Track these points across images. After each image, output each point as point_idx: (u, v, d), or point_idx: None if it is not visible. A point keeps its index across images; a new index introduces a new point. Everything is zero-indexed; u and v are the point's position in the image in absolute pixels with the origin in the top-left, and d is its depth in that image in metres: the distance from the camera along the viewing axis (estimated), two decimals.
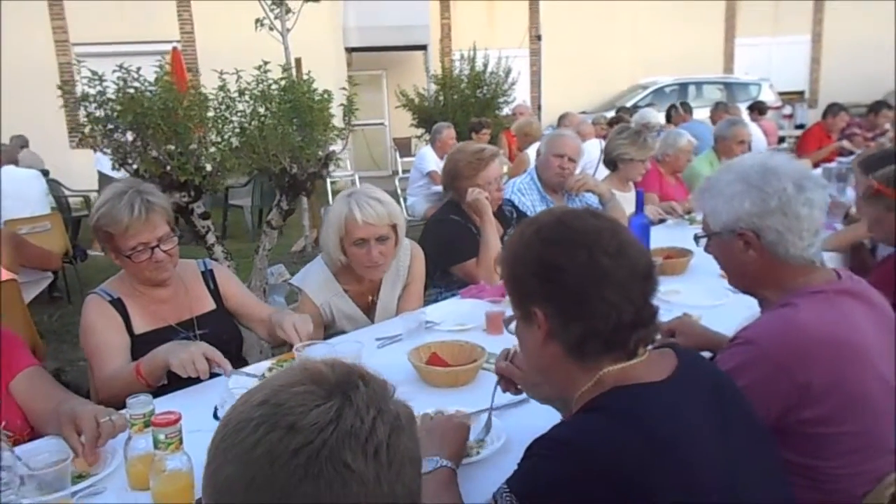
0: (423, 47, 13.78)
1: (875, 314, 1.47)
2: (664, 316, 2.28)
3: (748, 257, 1.49)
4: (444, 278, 2.87)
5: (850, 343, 1.37)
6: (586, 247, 1.07)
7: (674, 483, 0.96)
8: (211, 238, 3.63)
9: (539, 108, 13.68)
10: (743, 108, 9.11)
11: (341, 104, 3.62)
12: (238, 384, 1.77)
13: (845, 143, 6.83)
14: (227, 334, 2.13)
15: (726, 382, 1.18)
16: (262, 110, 3.62)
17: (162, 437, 1.22)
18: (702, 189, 1.60)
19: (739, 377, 1.34)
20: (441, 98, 11.78)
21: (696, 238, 1.68)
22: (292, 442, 0.67)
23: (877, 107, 7.33)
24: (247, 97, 3.77)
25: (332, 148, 3.76)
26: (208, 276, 2.21)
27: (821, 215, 1.47)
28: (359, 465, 0.67)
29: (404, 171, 9.62)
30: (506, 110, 11.54)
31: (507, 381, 1.47)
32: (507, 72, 12.03)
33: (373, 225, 2.20)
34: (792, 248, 1.45)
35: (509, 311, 1.25)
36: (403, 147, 12.76)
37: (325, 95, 3.46)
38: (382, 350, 2.08)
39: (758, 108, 8.72)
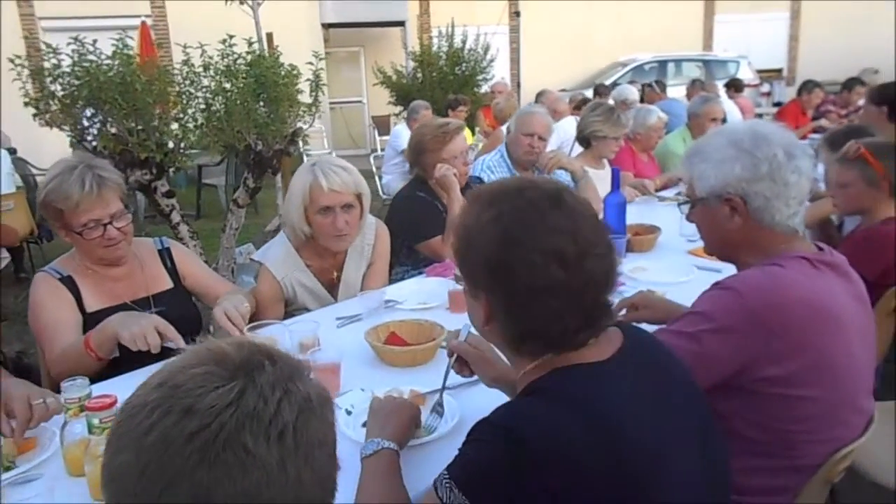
0: (402, 23, 13.60)
1: (852, 289, 1.47)
2: (629, 292, 2.31)
3: (733, 224, 1.47)
4: (410, 256, 2.83)
5: (828, 310, 1.37)
6: (541, 253, 1.00)
7: (613, 468, 0.94)
8: (176, 217, 3.55)
9: (518, 85, 13.58)
10: (721, 85, 9.10)
11: (307, 79, 3.55)
12: None
13: (823, 122, 6.85)
14: (184, 313, 2.08)
15: (668, 358, 1.16)
16: (227, 86, 3.54)
17: (96, 421, 1.18)
18: (690, 153, 1.57)
19: (711, 320, 1.34)
20: (419, 75, 11.66)
21: (680, 205, 1.66)
22: (188, 426, 0.63)
23: (850, 84, 7.36)
24: (211, 72, 3.69)
25: (300, 125, 3.69)
26: (165, 254, 2.15)
27: (807, 184, 1.46)
28: (260, 449, 0.63)
29: (383, 150, 9.52)
30: (485, 88, 11.44)
31: (460, 362, 1.43)
32: (486, 49, 11.92)
33: (338, 192, 2.15)
34: (778, 214, 1.44)
35: None
36: (382, 125, 12.63)
37: (293, 70, 3.37)
38: (343, 329, 2.04)
39: (734, 86, 8.71)
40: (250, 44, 3.70)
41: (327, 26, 13.47)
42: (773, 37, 15.22)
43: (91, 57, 3.06)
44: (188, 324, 2.03)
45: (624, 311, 1.91)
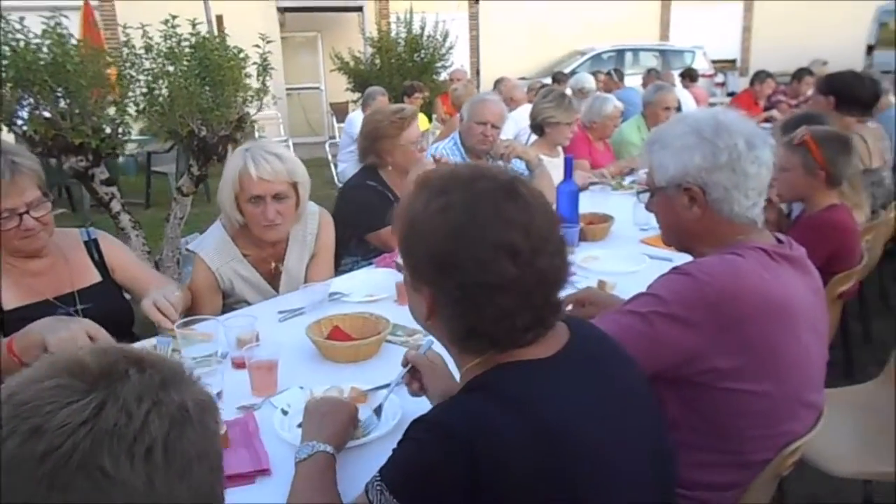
0: (359, 9, 13.40)
1: (810, 283, 1.45)
2: (581, 283, 2.28)
3: (691, 214, 1.45)
4: (360, 247, 2.75)
5: (783, 303, 1.35)
6: (493, 248, 0.94)
7: (550, 468, 0.89)
8: (116, 206, 3.39)
9: (477, 73, 13.53)
10: (676, 75, 9.19)
11: (254, 63, 3.41)
12: None
13: (774, 113, 6.96)
14: (114, 309, 1.96)
15: (616, 354, 1.12)
16: (171, 69, 3.38)
17: None
18: (650, 140, 1.53)
19: (665, 303, 1.31)
20: (377, 62, 11.50)
21: (639, 193, 1.62)
22: (37, 447, 0.55)
23: (799, 74, 7.49)
24: (153, 54, 3.53)
25: (248, 110, 3.56)
26: (92, 245, 2.02)
27: (767, 175, 1.44)
28: (122, 470, 0.56)
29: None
30: (444, 75, 11.36)
31: (412, 375, 1.36)
32: (445, 36, 11.82)
33: (268, 181, 2.04)
34: (737, 205, 1.42)
35: None
36: (341, 112, 12.42)
37: (239, 53, 3.23)
38: (284, 324, 1.96)
39: (689, 76, 8.80)
40: (194, 25, 3.55)
41: (283, 10, 13.19)
42: (727, 28, 15.46)
43: (19, 35, 2.87)
44: (118, 321, 1.92)
45: (570, 307, 1.87)
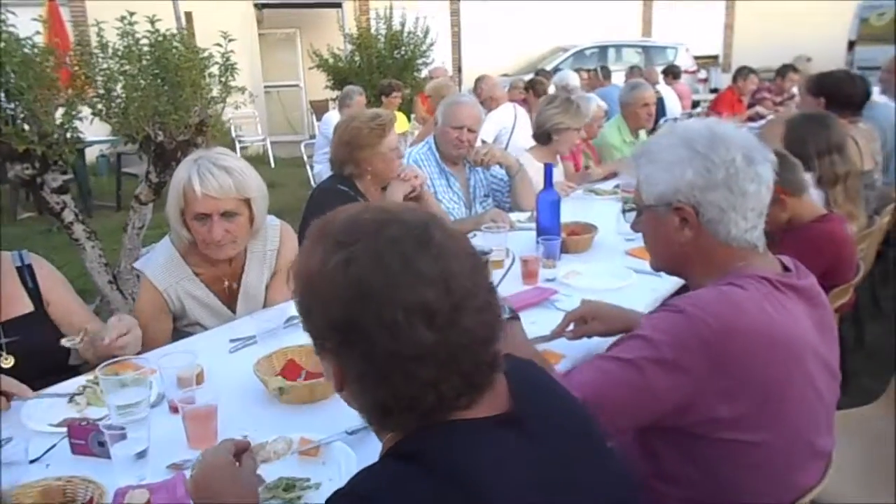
0: (338, 5, 13.17)
1: (819, 316, 1.30)
2: (563, 301, 2.11)
3: (682, 236, 1.29)
4: None
5: (790, 342, 1.20)
6: (406, 309, 0.77)
7: None
8: (68, 215, 3.18)
9: (459, 70, 13.35)
10: (659, 71, 9.08)
11: (217, 63, 3.21)
12: (37, 411, 1.43)
13: (759, 109, 6.86)
14: (45, 344, 1.76)
15: (570, 408, 0.96)
16: (128, 68, 3.17)
17: None
18: (638, 153, 1.38)
19: (656, 347, 1.15)
20: (357, 58, 11.30)
21: (625, 212, 1.47)
22: None
23: (783, 70, 7.40)
24: (109, 53, 3.32)
25: (210, 113, 3.35)
26: (25, 271, 1.83)
27: (767, 194, 1.28)
28: None
29: None
30: (424, 72, 11.19)
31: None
32: (426, 32, 11.65)
33: (214, 198, 1.85)
34: (734, 228, 1.27)
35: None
36: (320, 110, 12.18)
37: (199, 53, 3.03)
38: (235, 356, 1.77)
39: (672, 72, 8.69)
40: (153, 22, 3.33)
41: (261, 6, 12.94)
42: (709, 24, 15.42)
43: None
44: (50, 357, 1.72)
45: (571, 326, 1.70)
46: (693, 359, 1.14)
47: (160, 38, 3.19)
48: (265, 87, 12.69)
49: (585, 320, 1.68)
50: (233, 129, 10.95)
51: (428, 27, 11.64)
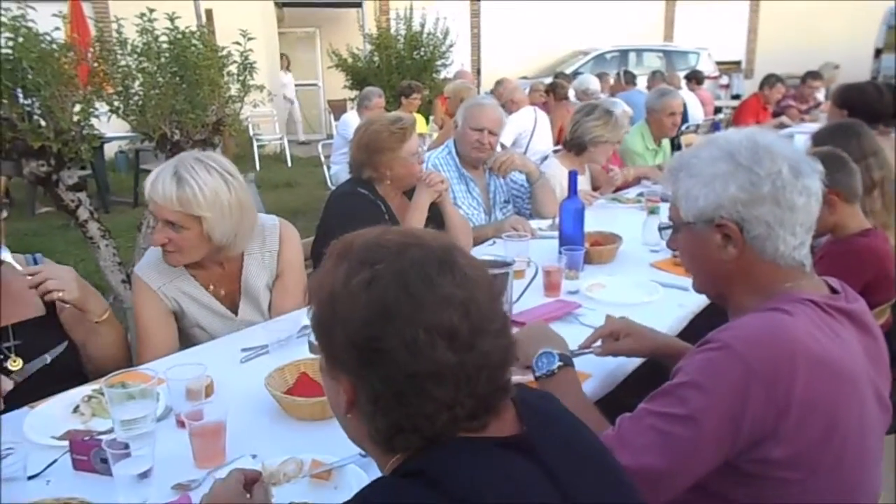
0: (359, 4, 13.16)
1: (871, 343, 1.21)
2: (588, 315, 2.03)
3: (726, 255, 1.21)
4: None
5: (845, 372, 1.11)
6: (429, 330, 0.78)
7: None
8: (83, 213, 3.14)
9: (478, 72, 13.28)
10: (682, 76, 8.95)
11: (235, 61, 3.16)
12: (40, 422, 1.38)
13: (784, 119, 6.72)
14: (53, 349, 1.70)
15: (586, 436, 0.92)
16: (146, 65, 3.13)
17: None
18: (674, 167, 1.29)
19: (706, 392, 1.06)
20: (376, 59, 11.27)
21: (661, 230, 1.39)
22: None
23: (806, 77, 7.28)
24: (128, 50, 3.29)
25: (231, 110, 3.31)
26: None
27: (816, 207, 1.20)
28: None
29: None
30: (444, 73, 11.14)
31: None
32: (446, 33, 11.59)
33: (158, 204, 1.77)
34: (782, 245, 1.18)
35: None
36: (338, 110, 12.19)
37: (218, 51, 2.98)
38: (247, 366, 1.71)
39: (695, 78, 8.55)
40: (172, 20, 3.29)
41: (281, 5, 12.94)
42: (732, 29, 15.22)
43: None
44: (59, 363, 1.67)
45: (599, 343, 1.62)
46: (748, 400, 1.06)
47: (179, 36, 3.15)
48: (284, 85, 12.68)
49: (617, 337, 1.59)
50: (251, 127, 10.94)
51: (448, 28, 11.58)
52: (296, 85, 13.33)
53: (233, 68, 3.09)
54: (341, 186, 2.59)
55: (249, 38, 3.12)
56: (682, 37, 14.75)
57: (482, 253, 2.61)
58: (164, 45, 3.30)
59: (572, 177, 2.40)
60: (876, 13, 12.11)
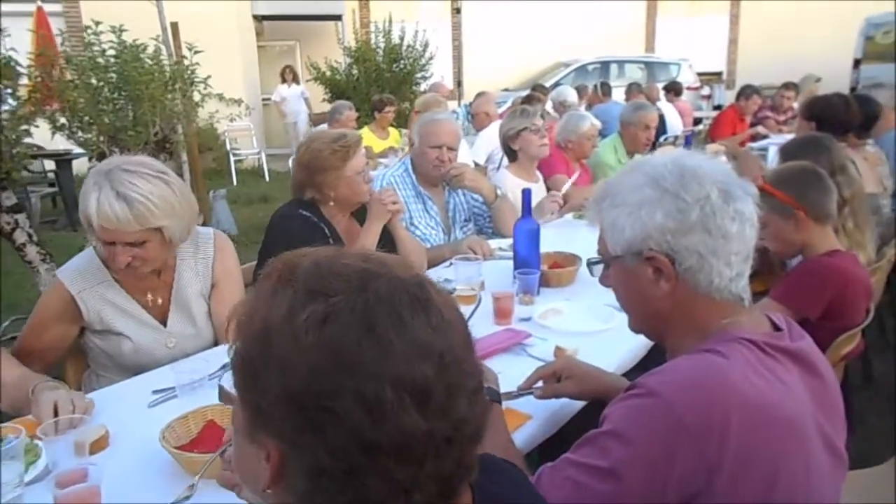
0: (338, 17, 13.07)
1: (818, 385, 1.09)
2: (538, 346, 1.90)
3: (659, 290, 1.10)
4: None
5: (789, 419, 0.99)
6: (397, 386, 0.60)
7: None
8: (21, 237, 2.98)
9: (459, 84, 13.20)
10: (661, 88, 8.90)
11: (190, 77, 3.02)
12: None
13: (760, 129, 6.66)
14: None
15: None
16: (94, 81, 2.99)
17: None
18: (598, 196, 1.18)
19: (629, 443, 0.94)
20: (355, 72, 11.18)
21: (590, 265, 1.26)
22: None
23: (780, 88, 7.28)
24: (73, 64, 3.14)
25: (175, 128, 3.16)
26: None
27: (752, 234, 1.09)
28: None
29: None
30: (423, 86, 11.07)
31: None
32: (425, 46, 11.53)
33: (112, 229, 1.68)
34: (717, 277, 1.07)
35: None
36: (320, 123, 12.07)
37: (156, 65, 2.84)
38: (155, 410, 1.55)
39: (674, 89, 8.50)
40: (118, 32, 3.16)
41: (260, 18, 12.85)
42: (713, 40, 15.28)
43: None
44: None
45: (540, 383, 1.48)
46: (676, 453, 0.94)
47: (122, 50, 3.01)
48: (263, 99, 12.55)
49: (558, 378, 1.46)
50: (227, 142, 10.80)
51: (427, 41, 11.52)
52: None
53: (177, 84, 2.94)
54: (282, 209, 2.45)
55: (196, 52, 2.97)
56: (664, 48, 14.79)
57: (434, 276, 2.48)
58: (112, 60, 3.17)
59: (525, 195, 2.27)
60: (856, 23, 12.16)
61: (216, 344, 2.09)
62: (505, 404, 1.48)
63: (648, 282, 1.10)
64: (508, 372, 1.67)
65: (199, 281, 1.98)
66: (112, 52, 3.20)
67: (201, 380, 1.55)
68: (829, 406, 1.09)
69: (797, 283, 2.11)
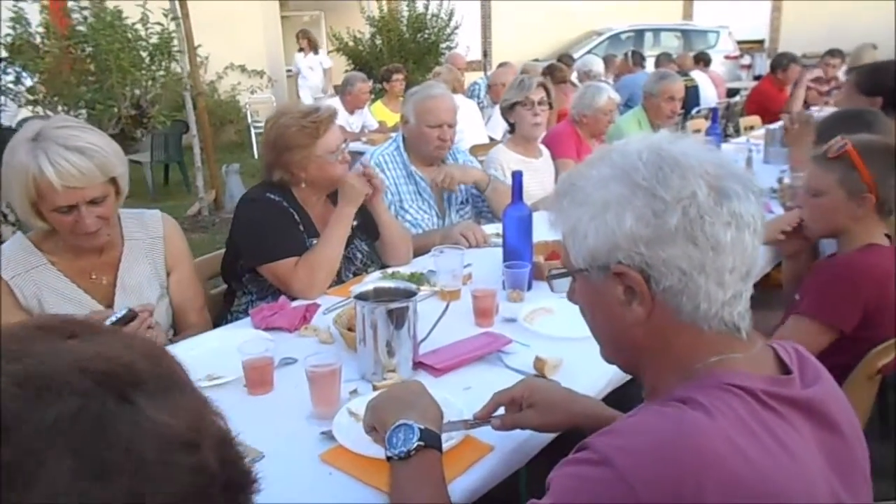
0: None
1: (835, 443, 0.83)
2: (517, 354, 1.65)
3: (631, 315, 0.85)
4: (255, 281, 2.15)
5: (791, 498, 0.74)
6: None
7: None
8: None
9: (485, 54, 12.81)
10: (692, 57, 8.43)
11: (153, 43, 2.80)
12: None
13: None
14: None
15: None
16: (54, 51, 2.80)
17: None
18: (559, 191, 0.92)
19: None
20: (378, 42, 10.91)
21: (551, 279, 1.01)
22: None
23: (825, 55, 6.77)
24: (52, 32, 2.96)
25: (153, 101, 2.96)
26: None
27: (755, 243, 0.83)
28: None
29: None
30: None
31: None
32: (451, 14, 11.18)
33: (78, 189, 1.60)
34: (705, 301, 0.82)
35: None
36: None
37: (127, 33, 2.62)
38: None
39: (703, 59, 8.02)
40: None
41: None
42: (755, 6, 14.52)
43: None
44: None
45: (502, 410, 1.24)
46: None
47: (91, 19, 2.80)
48: (287, 70, 12.35)
49: (519, 405, 1.22)
50: (249, 114, 10.65)
51: (453, 9, 11.17)
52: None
53: (144, 53, 2.73)
54: (250, 192, 2.23)
55: (174, 18, 2.75)
56: (702, 15, 14.10)
57: (423, 265, 2.25)
58: (82, 28, 2.97)
59: (516, 178, 2.00)
60: None
61: (175, 333, 1.95)
62: (464, 432, 1.26)
63: (617, 303, 0.86)
64: (479, 387, 1.46)
65: (150, 263, 1.91)
66: (93, 19, 2.98)
67: None
68: (850, 468, 0.84)
69: (825, 290, 1.82)
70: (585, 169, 0.88)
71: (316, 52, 10.12)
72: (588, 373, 1.54)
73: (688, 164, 0.81)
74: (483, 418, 1.22)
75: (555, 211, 0.90)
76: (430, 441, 1.03)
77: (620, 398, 1.39)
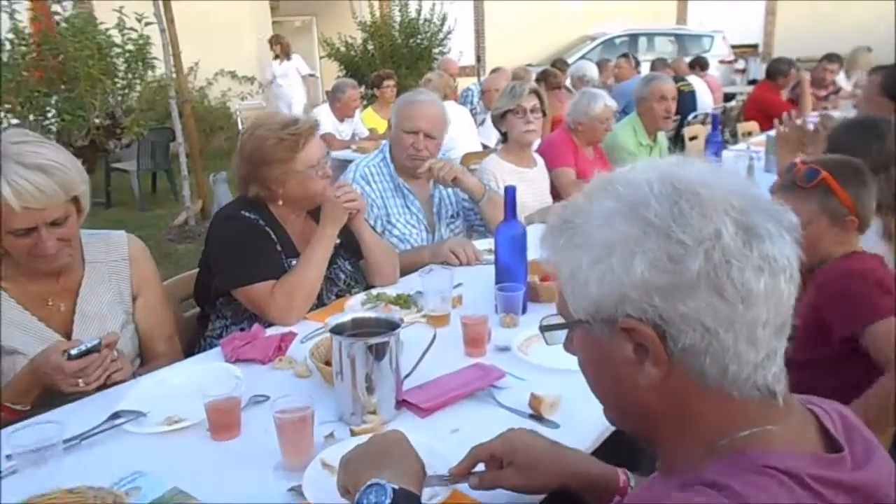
0: None
1: None
2: (510, 390, 1.49)
3: (643, 377, 0.71)
4: (229, 305, 2.00)
5: None
6: None
7: None
8: None
9: (478, 59, 12.70)
10: (687, 62, 8.33)
11: (130, 52, 2.65)
12: None
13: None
14: None
15: None
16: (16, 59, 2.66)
17: None
18: (554, 227, 0.76)
19: None
20: (370, 47, 10.80)
21: (543, 329, 0.84)
22: None
23: (822, 60, 6.67)
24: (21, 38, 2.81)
25: (126, 109, 2.81)
26: None
27: (791, 290, 0.68)
28: None
29: None
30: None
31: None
32: (443, 20, 11.08)
33: (38, 210, 1.50)
34: (734, 362, 0.68)
35: None
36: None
37: (95, 40, 2.48)
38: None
39: (699, 64, 7.91)
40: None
41: None
42: (749, 10, 14.48)
43: None
44: None
45: (481, 466, 1.09)
46: None
47: (71, 24, 2.66)
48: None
49: (499, 462, 1.07)
50: (239, 121, 10.51)
51: (445, 14, 11.07)
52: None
53: (118, 61, 2.58)
54: (224, 209, 2.08)
55: (148, 23, 2.60)
56: (697, 20, 14.05)
57: (410, 285, 2.11)
58: (68, 35, 2.83)
59: (509, 194, 1.86)
60: None
61: (142, 363, 1.80)
62: (452, 487, 1.12)
63: (626, 363, 0.71)
64: (468, 430, 1.32)
65: (114, 288, 1.77)
66: (65, 25, 2.84)
67: (40, 449, 1.16)
68: None
69: (840, 299, 1.68)
70: (584, 202, 0.73)
71: (289, 58, 9.34)
72: (589, 410, 1.36)
73: (709, 196, 0.67)
74: (460, 475, 1.08)
75: (548, 249, 0.76)
76: (405, 501, 0.88)
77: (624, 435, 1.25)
